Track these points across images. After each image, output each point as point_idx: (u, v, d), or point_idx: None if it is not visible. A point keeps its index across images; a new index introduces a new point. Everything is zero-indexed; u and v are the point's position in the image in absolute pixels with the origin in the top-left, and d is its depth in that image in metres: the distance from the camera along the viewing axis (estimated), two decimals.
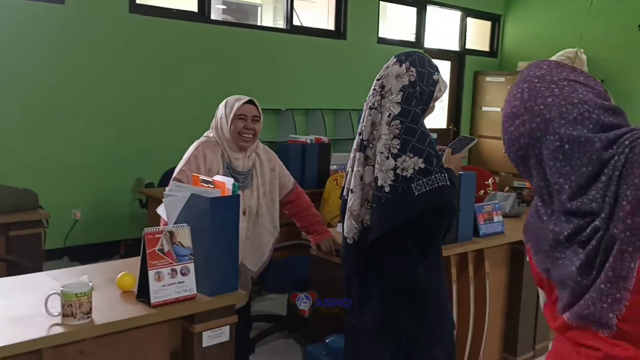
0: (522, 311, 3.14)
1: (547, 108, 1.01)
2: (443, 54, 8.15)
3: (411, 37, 7.65)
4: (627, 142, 0.96)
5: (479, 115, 8.39)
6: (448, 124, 8.38)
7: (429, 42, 7.83)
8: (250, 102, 2.56)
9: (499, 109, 8.10)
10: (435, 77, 2.14)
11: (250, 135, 2.53)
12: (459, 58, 8.33)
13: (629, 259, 0.95)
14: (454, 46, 8.30)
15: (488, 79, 8.29)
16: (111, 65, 4.99)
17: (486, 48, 8.74)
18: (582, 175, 0.98)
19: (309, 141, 4.30)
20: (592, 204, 0.98)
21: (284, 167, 2.81)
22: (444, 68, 8.26)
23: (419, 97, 2.07)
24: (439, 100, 2.24)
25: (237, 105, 2.52)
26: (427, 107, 2.14)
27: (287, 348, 3.45)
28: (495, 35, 8.75)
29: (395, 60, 2.19)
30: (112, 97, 5.01)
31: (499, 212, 3.01)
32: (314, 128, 6.33)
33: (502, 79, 8.11)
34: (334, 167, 4.44)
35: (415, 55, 2.18)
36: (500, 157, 8.03)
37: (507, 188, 3.75)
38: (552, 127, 1.01)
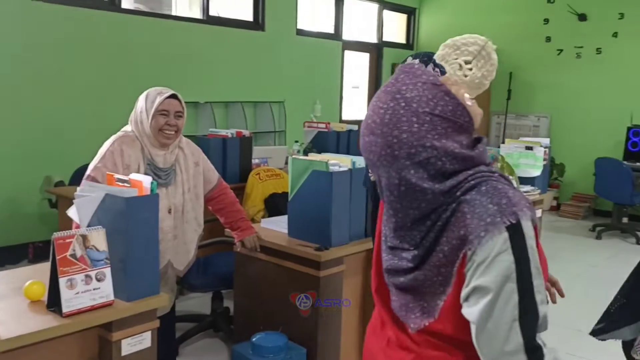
0: None
1: (399, 144, 1.05)
2: (361, 46, 8.23)
3: (330, 29, 7.66)
4: (458, 194, 1.04)
5: None
6: None
7: (348, 35, 7.88)
8: (173, 96, 2.42)
9: None
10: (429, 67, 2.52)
11: (173, 132, 2.41)
12: (377, 50, 8.44)
13: (437, 299, 1.07)
14: (372, 38, 8.40)
15: None
16: (15, 57, 4.65)
17: (403, 40, 8.91)
18: (409, 216, 1.07)
19: (229, 135, 4.20)
20: (411, 242, 1.09)
21: (208, 161, 2.72)
22: (363, 60, 8.35)
23: None
24: None
25: (158, 99, 2.38)
26: None
27: (212, 348, 3.37)
28: (411, 28, 8.93)
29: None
30: (16, 89, 4.67)
31: None
32: (235, 121, 6.21)
33: None
34: (256, 160, 4.37)
35: None
36: None
37: None
38: (396, 165, 1.05)
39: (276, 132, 6.64)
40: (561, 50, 7.47)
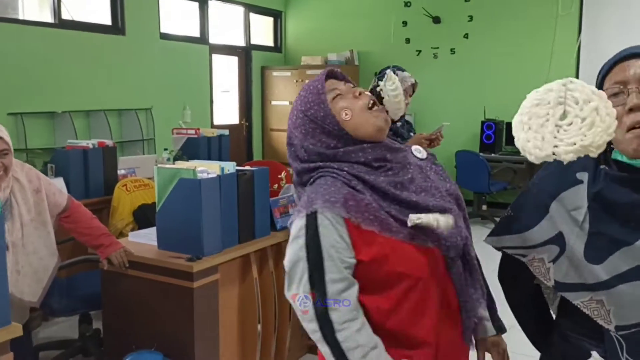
0: None
1: (289, 129, 1.40)
2: (229, 50, 8.15)
3: (196, 33, 7.49)
4: (310, 181, 1.34)
5: (269, 109, 8.58)
6: (240, 118, 8.42)
7: (215, 38, 7.76)
8: None
9: (287, 102, 8.36)
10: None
11: (0, 172, 2.23)
12: (245, 53, 8.39)
13: None
14: (240, 42, 8.34)
15: (275, 73, 8.50)
16: None
17: (271, 43, 8.94)
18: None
19: (91, 145, 3.95)
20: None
21: (52, 183, 2.56)
22: (232, 64, 8.27)
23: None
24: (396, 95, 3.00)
25: None
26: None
27: None
28: (278, 31, 8.99)
29: None
30: None
31: (294, 204, 3.07)
32: (98, 131, 5.86)
33: (288, 74, 8.37)
34: (122, 171, 4.15)
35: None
36: None
37: None
38: (290, 140, 1.41)
39: (144, 140, 6.37)
40: (420, 51, 7.90)
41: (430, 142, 3.20)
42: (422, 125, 7.93)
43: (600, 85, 1.19)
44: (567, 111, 1.07)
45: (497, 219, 6.03)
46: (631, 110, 1.10)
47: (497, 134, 7.08)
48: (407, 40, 7.98)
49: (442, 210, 1.27)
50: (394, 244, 1.23)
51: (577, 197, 1.20)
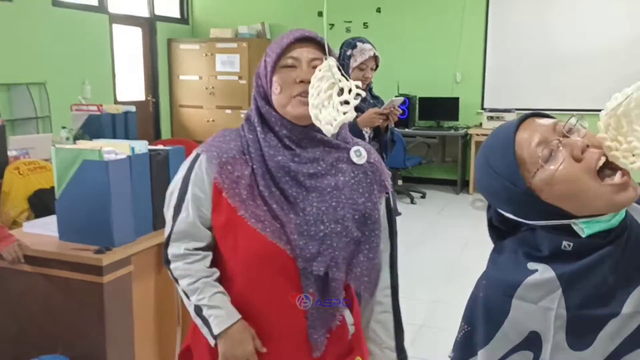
0: None
1: None
2: (131, 20, 7.61)
3: (94, 1, 6.91)
4: None
5: (177, 84, 8.14)
6: (146, 94, 7.93)
7: (115, 7, 7.20)
8: None
9: (197, 77, 7.97)
10: (348, 52, 2.94)
11: None
12: (149, 24, 7.88)
13: None
14: (144, 12, 7.81)
15: (182, 46, 8.06)
16: None
17: (177, 14, 8.46)
18: None
19: None
20: None
21: None
22: (135, 35, 7.74)
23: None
24: (362, 67, 2.98)
25: None
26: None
27: None
28: (184, 2, 8.52)
29: None
30: None
31: None
32: None
33: (197, 47, 7.97)
34: (14, 152, 3.72)
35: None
36: (203, 125, 7.97)
37: None
38: None
39: (38, 118, 5.82)
40: (333, 25, 7.76)
41: (387, 117, 3.02)
42: None
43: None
44: None
45: (412, 194, 6.03)
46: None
47: (411, 109, 7.12)
48: (320, 14, 7.81)
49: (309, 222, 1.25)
50: (245, 227, 1.24)
51: (542, 285, 1.00)
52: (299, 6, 7.88)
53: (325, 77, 1.10)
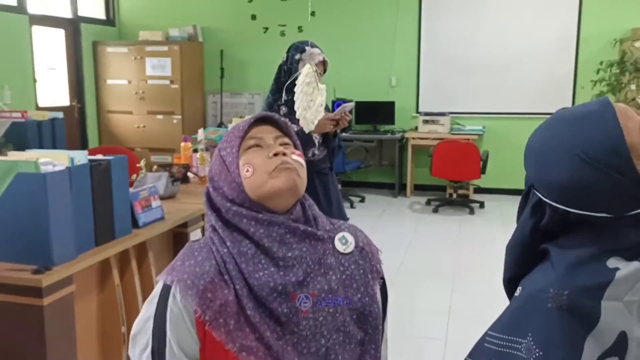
0: None
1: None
2: (53, 21, 7.21)
3: (12, 1, 6.49)
4: None
5: (104, 88, 7.78)
6: (71, 99, 7.53)
7: (35, 7, 6.80)
8: None
9: (125, 82, 7.65)
10: (297, 56, 3.00)
11: None
12: (73, 26, 7.49)
13: None
14: (66, 13, 7.42)
15: (109, 49, 7.71)
16: None
17: (102, 16, 8.10)
18: None
19: None
20: None
21: None
22: (57, 37, 7.33)
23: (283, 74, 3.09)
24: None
25: None
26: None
27: None
28: (110, 3, 8.17)
29: None
30: None
31: (156, 196, 2.69)
32: None
33: (125, 50, 7.65)
34: None
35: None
36: (133, 132, 7.66)
37: (155, 167, 3.44)
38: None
39: None
40: (267, 29, 7.66)
41: (337, 123, 2.99)
42: None
43: None
44: None
45: (352, 198, 6.07)
46: None
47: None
48: (254, 17, 7.68)
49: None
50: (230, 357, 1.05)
51: (628, 278, 0.96)
52: (232, 9, 7.74)
53: (310, 82, 1.07)
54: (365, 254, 1.18)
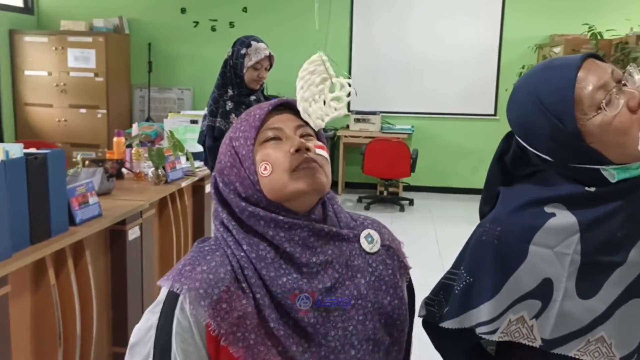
0: (129, 298, 2.84)
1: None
2: None
3: None
4: None
5: (22, 80, 7.34)
6: None
7: None
8: None
9: (45, 73, 7.27)
10: (243, 51, 3.05)
11: None
12: None
13: None
14: None
15: (27, 39, 7.29)
16: None
17: (20, 3, 7.64)
18: None
19: None
20: None
21: None
22: None
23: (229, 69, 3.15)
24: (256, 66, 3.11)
25: None
26: (239, 76, 3.14)
27: None
28: None
29: None
30: None
31: (93, 192, 2.58)
32: None
33: (45, 39, 7.25)
34: None
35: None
36: (54, 126, 7.29)
37: (87, 162, 3.30)
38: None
39: None
40: (197, 23, 7.51)
41: None
42: (201, 102, 7.61)
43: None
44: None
45: None
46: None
47: None
48: (183, 10, 7.52)
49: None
50: None
51: (561, 230, 1.00)
52: (160, 1, 7.51)
53: (317, 71, 1.02)
54: (393, 252, 1.08)
